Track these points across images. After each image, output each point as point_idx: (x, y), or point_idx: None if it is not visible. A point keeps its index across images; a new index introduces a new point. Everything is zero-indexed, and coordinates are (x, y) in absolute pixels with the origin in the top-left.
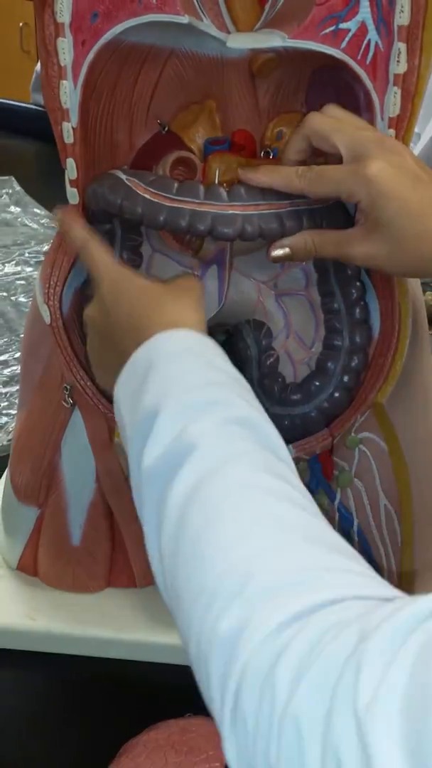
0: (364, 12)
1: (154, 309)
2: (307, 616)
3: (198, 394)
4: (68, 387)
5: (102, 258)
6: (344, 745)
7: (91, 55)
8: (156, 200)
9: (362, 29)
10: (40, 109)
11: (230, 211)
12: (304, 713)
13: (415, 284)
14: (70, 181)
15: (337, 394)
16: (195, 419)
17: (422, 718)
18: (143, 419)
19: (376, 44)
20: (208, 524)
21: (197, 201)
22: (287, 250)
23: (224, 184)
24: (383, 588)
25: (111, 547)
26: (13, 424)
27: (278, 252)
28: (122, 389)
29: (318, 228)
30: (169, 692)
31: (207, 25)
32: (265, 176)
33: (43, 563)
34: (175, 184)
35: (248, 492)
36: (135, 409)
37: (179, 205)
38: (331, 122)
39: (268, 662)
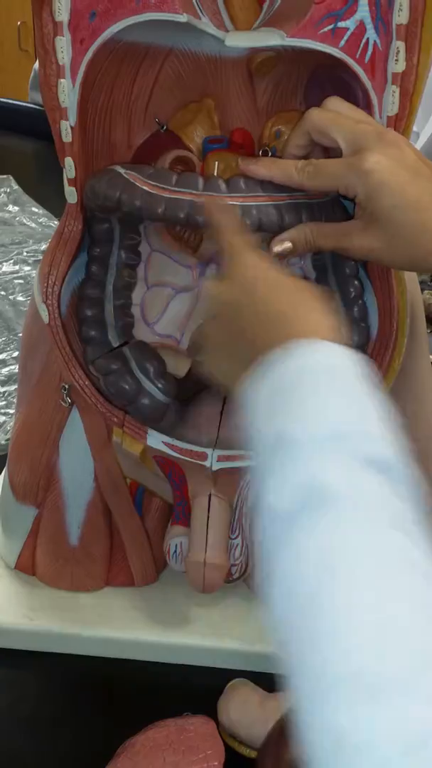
0: (363, 11)
1: (295, 307)
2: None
3: (337, 425)
4: (66, 386)
5: (241, 243)
6: None
7: (89, 54)
8: (155, 192)
9: (360, 28)
10: (38, 107)
11: (229, 203)
12: None
13: (413, 284)
14: (69, 180)
15: None
16: (331, 457)
17: None
18: (277, 438)
19: (375, 43)
20: (332, 592)
21: (196, 192)
22: (288, 244)
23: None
24: None
25: (109, 546)
26: (10, 424)
27: (279, 247)
28: (256, 387)
29: (316, 221)
30: (167, 691)
31: (205, 24)
32: (264, 169)
33: (41, 563)
34: (174, 176)
35: (386, 562)
36: (269, 420)
37: (178, 196)
38: (330, 116)
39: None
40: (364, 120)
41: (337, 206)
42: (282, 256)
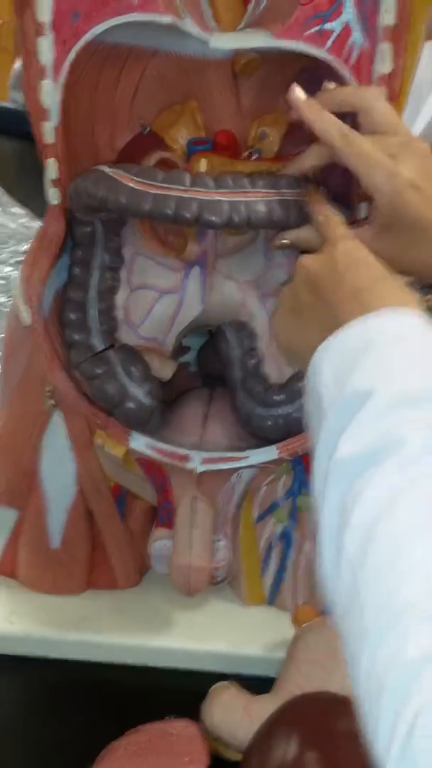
0: (349, 12)
1: (378, 281)
2: None
3: (413, 384)
4: (49, 389)
5: (343, 232)
6: None
7: (72, 55)
8: (141, 188)
9: (346, 30)
10: (18, 108)
11: (217, 198)
12: None
13: None
14: (51, 182)
15: None
16: (406, 413)
17: None
18: (349, 399)
19: (361, 45)
20: (409, 535)
21: (183, 188)
22: (288, 243)
23: None
24: None
25: (91, 548)
26: None
27: (282, 242)
28: (328, 356)
29: (306, 221)
30: (150, 695)
31: (189, 25)
32: (310, 111)
33: (22, 565)
34: (161, 174)
35: None
36: (341, 385)
37: (165, 192)
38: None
39: None
40: (396, 130)
41: None
42: (283, 247)
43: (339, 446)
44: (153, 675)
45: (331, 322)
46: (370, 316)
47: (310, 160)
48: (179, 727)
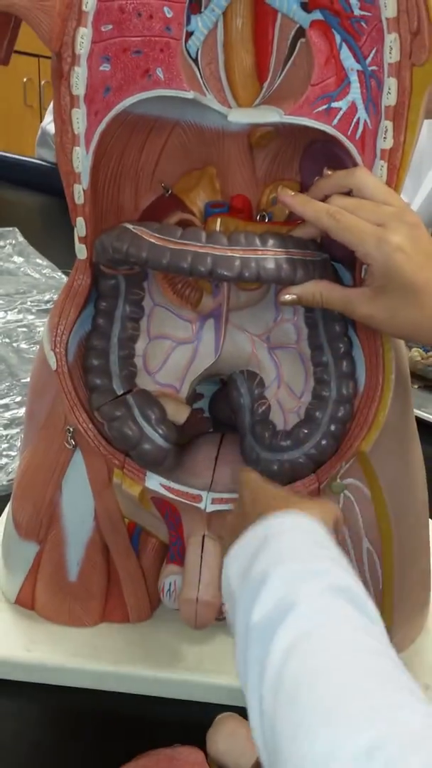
0: (355, 93)
1: (280, 504)
2: (375, 751)
3: (304, 564)
4: (71, 429)
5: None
6: None
7: (102, 125)
8: (160, 244)
9: (352, 108)
10: (44, 164)
11: (229, 254)
12: None
13: (398, 341)
14: (79, 238)
15: (324, 442)
16: (300, 584)
17: None
18: (253, 584)
19: (365, 122)
20: (306, 679)
21: (199, 244)
22: (295, 296)
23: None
24: None
25: (107, 583)
26: (12, 465)
27: (287, 297)
28: (234, 559)
29: (311, 278)
30: (158, 723)
31: (210, 100)
32: (298, 204)
33: (40, 597)
34: (179, 230)
35: (342, 646)
36: (246, 576)
37: (182, 248)
38: (353, 201)
39: None
40: (387, 201)
41: (328, 266)
42: (288, 304)
43: (252, 618)
44: (161, 704)
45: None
46: (262, 522)
47: (311, 231)
48: (185, 754)
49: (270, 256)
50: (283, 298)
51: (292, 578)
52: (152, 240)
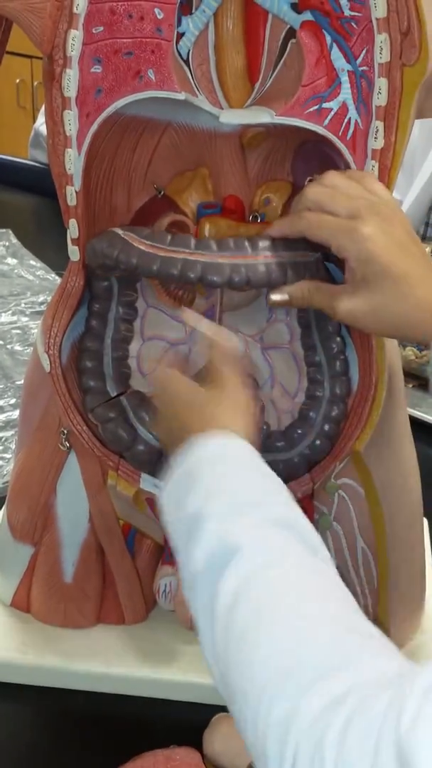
0: (345, 93)
1: (196, 413)
2: (345, 696)
3: (239, 496)
4: (65, 431)
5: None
6: None
7: (94, 126)
8: (150, 251)
9: (343, 108)
10: (37, 165)
11: (219, 261)
12: (352, 764)
13: (392, 342)
14: (72, 240)
15: (318, 442)
16: (236, 522)
17: None
18: (188, 524)
19: (356, 122)
20: (255, 623)
21: (188, 251)
22: (286, 296)
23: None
24: (405, 664)
25: (102, 585)
26: (7, 468)
27: (277, 297)
28: (166, 499)
29: (302, 279)
30: (155, 725)
31: (202, 101)
32: (278, 227)
33: (35, 600)
34: (169, 237)
35: (289, 590)
36: (179, 519)
37: (171, 255)
38: (327, 192)
39: (317, 737)
40: (357, 195)
41: (321, 267)
42: (277, 305)
43: (190, 565)
44: (157, 706)
45: (178, 437)
46: (184, 452)
47: (284, 229)
48: (182, 754)
49: (260, 261)
50: (271, 299)
51: (226, 516)
52: (142, 247)
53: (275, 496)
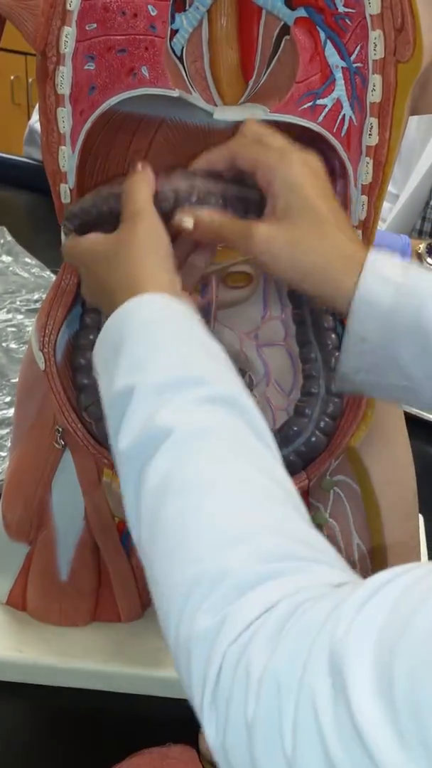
0: (340, 90)
1: (114, 274)
2: (278, 604)
3: (171, 370)
4: (60, 429)
5: (139, 201)
6: (319, 680)
7: (88, 124)
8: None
9: (337, 105)
10: (32, 162)
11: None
12: (282, 669)
13: None
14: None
15: (313, 439)
16: (167, 401)
17: (395, 643)
18: (116, 400)
19: (350, 119)
20: (184, 515)
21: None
22: (189, 223)
23: None
24: (345, 573)
25: (97, 582)
26: (2, 466)
27: (183, 218)
28: (98, 359)
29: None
30: (150, 723)
31: (195, 98)
32: (203, 157)
33: (31, 598)
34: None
35: (222, 481)
36: (109, 386)
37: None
38: (269, 129)
39: (244, 642)
40: (286, 148)
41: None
42: (179, 231)
43: (119, 443)
44: (153, 704)
45: (109, 299)
46: (115, 314)
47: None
48: (177, 752)
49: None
50: (177, 219)
51: (156, 395)
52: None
53: (214, 371)
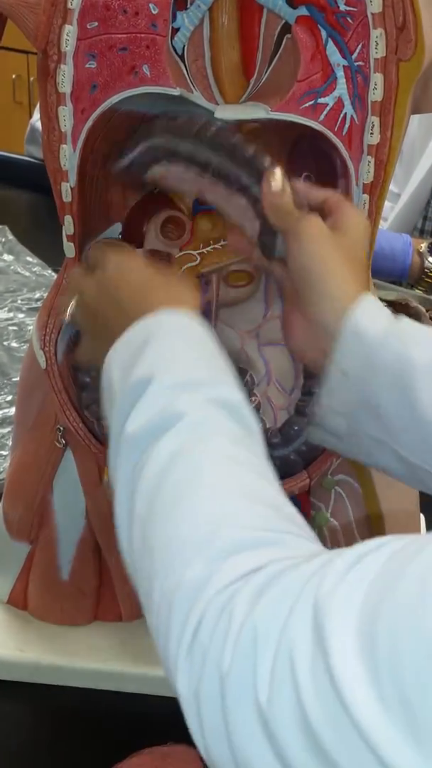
0: (341, 88)
1: (157, 289)
2: (266, 566)
3: (188, 372)
4: (61, 428)
5: (110, 246)
6: (299, 634)
7: (89, 122)
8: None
9: (339, 104)
10: (33, 161)
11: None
12: (263, 621)
13: None
14: (68, 236)
15: None
16: (183, 394)
17: (379, 604)
18: (134, 386)
19: (352, 117)
20: (187, 484)
21: None
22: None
23: (211, 241)
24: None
25: (99, 582)
26: (3, 465)
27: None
28: (116, 355)
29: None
30: (152, 722)
31: (197, 97)
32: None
33: (32, 597)
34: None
35: (225, 461)
36: (126, 376)
37: None
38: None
39: (231, 593)
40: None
41: None
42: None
43: (126, 425)
44: (154, 703)
45: (120, 332)
46: (147, 319)
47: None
48: (179, 752)
49: None
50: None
51: (174, 387)
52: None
53: (223, 379)
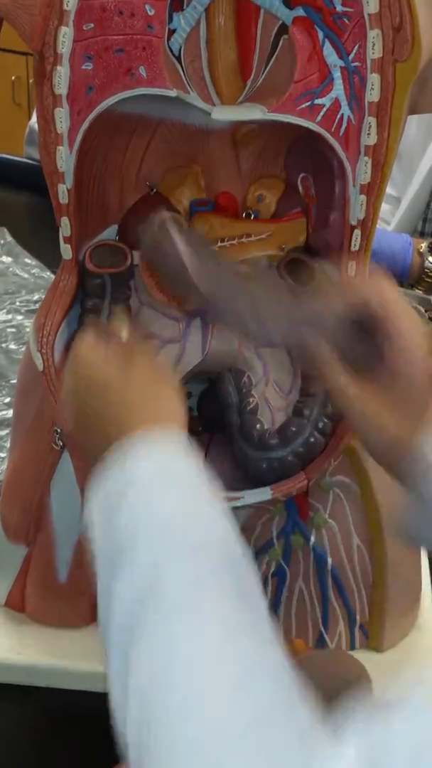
0: (338, 89)
1: (136, 404)
2: None
3: (172, 534)
4: (58, 430)
5: (80, 344)
6: None
7: (85, 124)
8: None
9: (336, 104)
10: (32, 162)
11: None
12: None
13: None
14: (64, 238)
15: (312, 439)
16: (166, 567)
17: None
18: (115, 551)
19: (349, 118)
20: (176, 707)
21: None
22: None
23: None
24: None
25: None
26: (2, 466)
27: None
28: (95, 497)
29: None
30: None
31: (194, 98)
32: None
33: (30, 600)
34: None
35: (214, 665)
36: (108, 533)
37: None
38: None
39: None
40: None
41: None
42: None
43: (115, 593)
44: None
45: (99, 443)
46: (127, 441)
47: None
48: None
49: None
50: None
51: (159, 556)
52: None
53: (214, 533)
